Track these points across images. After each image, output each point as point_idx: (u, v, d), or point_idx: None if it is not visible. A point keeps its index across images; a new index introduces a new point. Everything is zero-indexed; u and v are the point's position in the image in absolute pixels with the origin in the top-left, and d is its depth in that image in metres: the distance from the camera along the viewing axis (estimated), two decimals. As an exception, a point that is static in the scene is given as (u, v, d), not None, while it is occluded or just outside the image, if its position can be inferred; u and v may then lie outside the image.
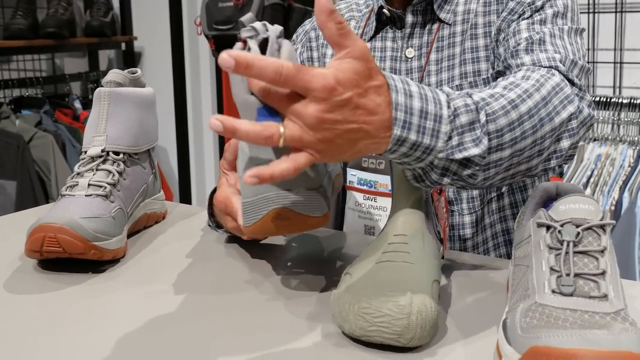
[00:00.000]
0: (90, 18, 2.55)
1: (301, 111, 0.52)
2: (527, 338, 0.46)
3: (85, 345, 0.56)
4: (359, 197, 0.90)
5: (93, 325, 0.59)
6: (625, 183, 1.73)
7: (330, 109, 0.51)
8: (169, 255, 0.79)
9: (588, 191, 1.74)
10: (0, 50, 2.30)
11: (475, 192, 0.89)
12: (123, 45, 2.75)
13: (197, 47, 2.68)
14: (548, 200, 0.64)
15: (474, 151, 0.60)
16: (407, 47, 0.92)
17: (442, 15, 0.90)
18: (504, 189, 0.91)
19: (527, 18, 0.84)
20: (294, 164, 0.53)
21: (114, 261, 0.76)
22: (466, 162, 0.60)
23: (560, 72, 0.75)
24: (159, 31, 2.74)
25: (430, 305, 0.54)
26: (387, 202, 0.87)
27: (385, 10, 0.92)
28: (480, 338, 0.57)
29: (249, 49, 0.58)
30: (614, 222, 0.54)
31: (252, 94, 0.57)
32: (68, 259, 0.73)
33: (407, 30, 0.92)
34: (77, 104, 2.56)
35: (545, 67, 0.76)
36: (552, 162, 0.69)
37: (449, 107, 0.59)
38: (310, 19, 1.05)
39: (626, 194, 1.72)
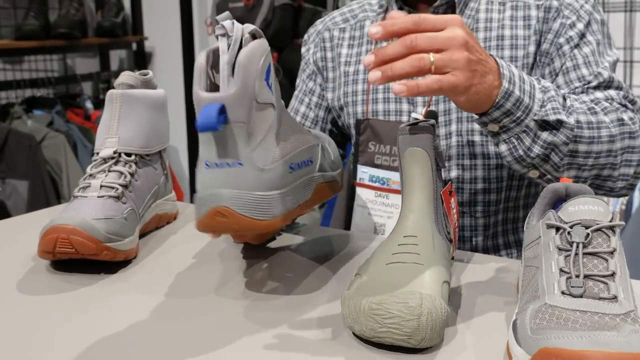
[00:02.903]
0: (101, 18, 2.56)
1: (450, 34, 0.60)
2: (537, 339, 0.46)
3: (98, 345, 0.56)
4: (370, 194, 0.90)
5: (105, 326, 0.60)
6: (636, 182, 1.71)
7: (470, 36, 0.62)
8: (181, 256, 0.79)
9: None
10: (13, 50, 2.32)
11: (492, 197, 0.89)
12: (134, 46, 2.76)
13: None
14: (557, 201, 0.64)
15: (564, 117, 0.70)
16: None
17: (464, 21, 0.89)
18: (520, 202, 0.92)
19: (574, 45, 0.86)
20: (438, 82, 0.60)
21: (126, 262, 0.76)
22: (559, 127, 0.69)
23: (628, 108, 0.82)
24: (170, 31, 2.75)
25: (440, 306, 0.54)
26: (399, 200, 0.88)
27: (405, 11, 0.93)
28: (490, 339, 0.57)
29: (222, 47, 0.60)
30: (623, 223, 0.53)
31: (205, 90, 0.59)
32: (80, 260, 0.74)
33: None
34: (89, 104, 2.58)
35: (618, 103, 0.83)
36: (619, 183, 0.78)
37: (538, 82, 0.71)
38: (322, 19, 1.05)
39: (637, 194, 1.71)
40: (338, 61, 0.99)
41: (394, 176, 0.88)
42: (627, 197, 1.70)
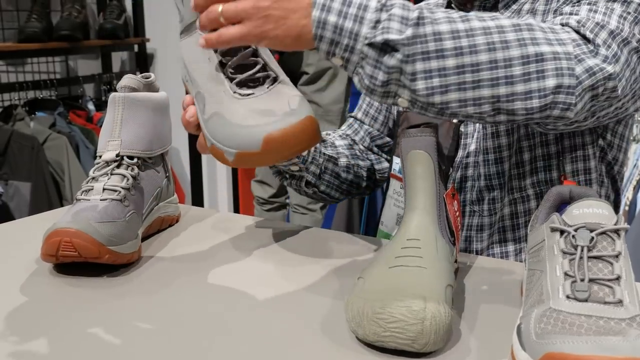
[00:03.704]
0: (103, 21, 2.57)
1: None
2: (542, 344, 0.46)
3: (101, 348, 0.56)
4: (397, 185, 0.90)
5: (108, 328, 0.60)
6: (639, 183, 1.71)
7: None
8: (183, 258, 0.79)
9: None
10: (16, 53, 2.33)
11: (497, 194, 0.88)
12: (136, 47, 2.76)
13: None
14: (561, 204, 0.63)
15: (394, 35, 0.61)
16: None
17: (506, 15, 0.87)
18: (529, 191, 0.87)
19: (579, 2, 0.76)
20: (220, 35, 0.62)
21: (128, 265, 0.76)
22: (390, 49, 0.62)
23: (569, 26, 0.69)
24: (171, 33, 2.75)
25: (444, 310, 0.54)
26: None
27: (453, 6, 0.92)
28: (494, 343, 0.57)
29: None
30: (628, 226, 0.53)
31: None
32: (83, 263, 0.74)
33: None
34: (91, 106, 2.58)
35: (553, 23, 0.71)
36: (533, 101, 0.64)
37: (379, 1, 0.63)
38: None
39: (640, 195, 1.70)
40: None
41: None
42: (630, 199, 1.70)
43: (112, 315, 0.63)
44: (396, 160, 0.91)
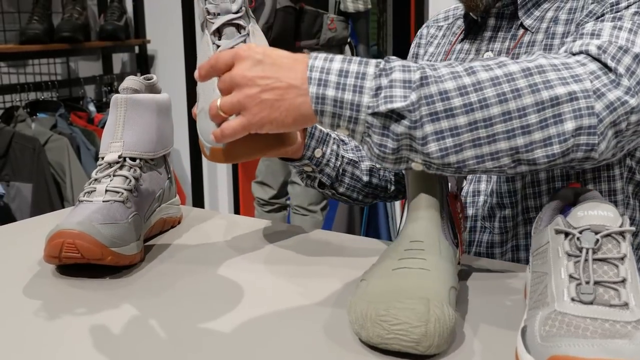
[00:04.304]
0: (104, 22, 2.57)
1: (231, 73, 0.62)
2: (547, 347, 0.46)
3: (103, 349, 0.56)
4: None
5: (111, 329, 0.60)
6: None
7: (251, 66, 0.61)
8: (185, 260, 0.79)
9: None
10: (17, 54, 2.33)
11: (509, 212, 0.85)
12: (136, 49, 2.77)
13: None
14: (565, 207, 0.63)
15: (398, 104, 0.59)
16: (487, 51, 0.88)
17: (527, 22, 0.85)
18: (532, 214, 0.84)
19: (602, 16, 0.74)
20: (222, 131, 0.62)
21: (131, 266, 0.76)
22: (396, 117, 0.59)
23: (589, 55, 0.65)
24: (172, 34, 2.75)
25: (448, 312, 0.53)
26: None
27: (471, 15, 0.90)
28: (498, 346, 0.57)
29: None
30: (633, 229, 0.53)
31: None
32: (86, 264, 0.74)
33: (488, 34, 0.88)
34: (92, 107, 2.58)
35: (573, 54, 0.66)
36: (554, 147, 0.60)
37: (377, 66, 0.61)
38: (446, 9, 1.04)
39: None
40: (422, 58, 0.98)
41: None
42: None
43: (115, 317, 0.63)
44: None
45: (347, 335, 0.59)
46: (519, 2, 0.85)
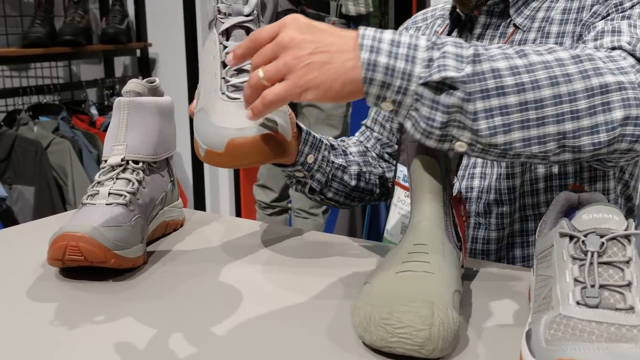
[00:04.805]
0: (106, 25, 2.57)
1: (277, 40, 0.60)
2: (552, 351, 0.46)
3: (106, 352, 0.56)
4: (402, 193, 0.90)
5: (114, 332, 0.60)
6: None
7: (299, 30, 0.60)
8: (188, 262, 0.79)
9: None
10: (19, 58, 2.33)
11: (506, 209, 0.86)
12: (138, 52, 2.77)
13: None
14: (570, 210, 0.63)
15: (452, 73, 0.58)
16: None
17: (518, 21, 0.85)
18: (542, 209, 0.85)
19: (609, 18, 0.76)
20: (264, 97, 0.60)
21: (134, 269, 0.76)
22: (448, 88, 0.58)
23: (624, 50, 0.67)
24: (173, 37, 2.76)
25: (452, 316, 0.53)
26: None
27: (458, 12, 0.91)
28: (502, 349, 0.56)
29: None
30: (639, 232, 0.53)
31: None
32: (89, 267, 0.74)
33: (477, 31, 0.88)
34: (94, 110, 2.58)
35: (607, 48, 0.68)
36: (601, 135, 0.60)
37: (428, 40, 0.60)
38: (415, 14, 1.04)
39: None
40: None
41: None
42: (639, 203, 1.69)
43: (118, 319, 0.63)
44: (400, 168, 0.91)
45: (350, 339, 0.58)
46: (510, 0, 0.85)
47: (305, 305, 0.66)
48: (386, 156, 1.02)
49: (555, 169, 0.83)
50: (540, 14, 0.85)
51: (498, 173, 0.86)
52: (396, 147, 1.02)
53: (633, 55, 0.65)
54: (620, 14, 0.74)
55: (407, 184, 0.89)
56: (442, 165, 0.67)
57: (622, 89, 0.60)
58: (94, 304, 0.67)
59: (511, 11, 0.86)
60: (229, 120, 0.65)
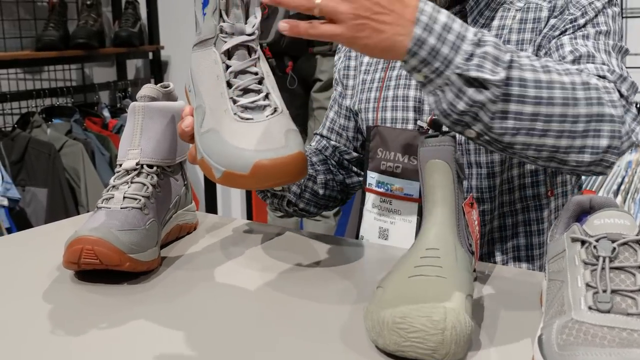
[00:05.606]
0: (118, 28, 2.59)
1: None
2: (564, 356, 0.46)
3: (121, 355, 0.57)
4: (376, 199, 0.91)
5: (129, 335, 0.61)
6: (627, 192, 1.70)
7: None
8: (202, 265, 0.80)
9: (619, 199, 1.71)
10: (33, 61, 2.35)
11: (487, 206, 0.89)
12: (150, 55, 2.79)
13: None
14: (581, 214, 0.63)
15: (488, 75, 0.63)
16: None
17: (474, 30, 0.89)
18: (517, 205, 0.90)
19: (570, 34, 0.83)
20: (314, 29, 0.60)
21: (148, 272, 0.77)
22: (479, 85, 0.63)
23: (609, 80, 0.74)
24: (185, 40, 2.77)
25: (464, 320, 0.54)
26: (401, 206, 0.88)
27: None
28: (514, 354, 0.57)
29: None
30: (650, 237, 0.53)
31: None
32: (104, 270, 0.75)
33: None
34: (106, 113, 2.60)
35: (594, 75, 0.75)
36: (585, 156, 0.68)
37: (475, 35, 0.64)
38: None
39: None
40: (359, 69, 1.00)
41: (397, 182, 0.89)
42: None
43: (133, 322, 0.63)
44: (371, 175, 0.92)
45: (363, 343, 0.59)
46: (467, 9, 0.88)
47: (319, 308, 0.67)
48: (345, 163, 1.04)
49: (527, 167, 0.89)
50: (495, 22, 0.88)
51: (479, 173, 0.89)
52: (354, 154, 1.03)
53: (618, 90, 0.73)
54: (581, 32, 0.82)
55: (379, 190, 0.91)
56: (454, 169, 0.67)
57: (612, 121, 0.68)
58: (108, 306, 0.68)
59: (469, 20, 0.88)
60: (250, 141, 0.64)
